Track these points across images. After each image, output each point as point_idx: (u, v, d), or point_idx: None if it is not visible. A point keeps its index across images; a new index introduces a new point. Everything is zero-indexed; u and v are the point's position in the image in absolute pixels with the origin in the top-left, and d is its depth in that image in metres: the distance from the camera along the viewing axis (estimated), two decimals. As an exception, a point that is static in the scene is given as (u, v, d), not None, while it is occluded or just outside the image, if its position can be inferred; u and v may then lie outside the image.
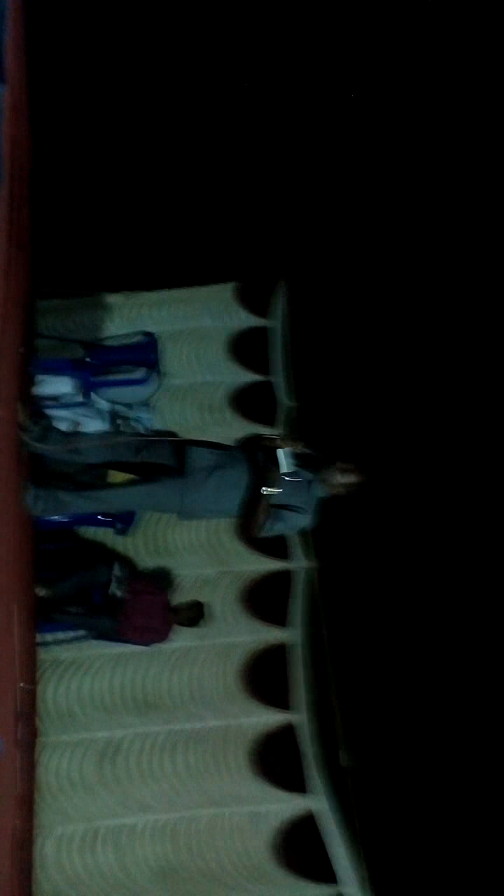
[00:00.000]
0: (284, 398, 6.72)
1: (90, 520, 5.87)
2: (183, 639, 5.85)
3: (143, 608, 5.58)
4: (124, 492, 4.59)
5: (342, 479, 4.52)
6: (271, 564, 6.27)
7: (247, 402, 6.74)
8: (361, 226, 7.14)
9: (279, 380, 6.81)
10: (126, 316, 6.80)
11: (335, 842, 5.47)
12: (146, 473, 4.59)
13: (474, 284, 6.90)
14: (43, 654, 5.73)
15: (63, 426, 5.27)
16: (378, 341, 6.91)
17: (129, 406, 5.87)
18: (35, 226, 5.54)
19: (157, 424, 6.16)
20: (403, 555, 6.32)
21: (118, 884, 5.35)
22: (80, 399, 5.52)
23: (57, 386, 5.51)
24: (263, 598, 6.17)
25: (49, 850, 5.34)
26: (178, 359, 6.75)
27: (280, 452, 4.37)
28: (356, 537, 6.21)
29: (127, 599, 5.55)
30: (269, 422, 6.60)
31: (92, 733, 5.67)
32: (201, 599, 5.88)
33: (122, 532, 6.02)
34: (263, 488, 4.32)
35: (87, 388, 5.56)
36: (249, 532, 4.50)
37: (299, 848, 5.54)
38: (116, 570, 5.62)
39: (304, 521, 4.65)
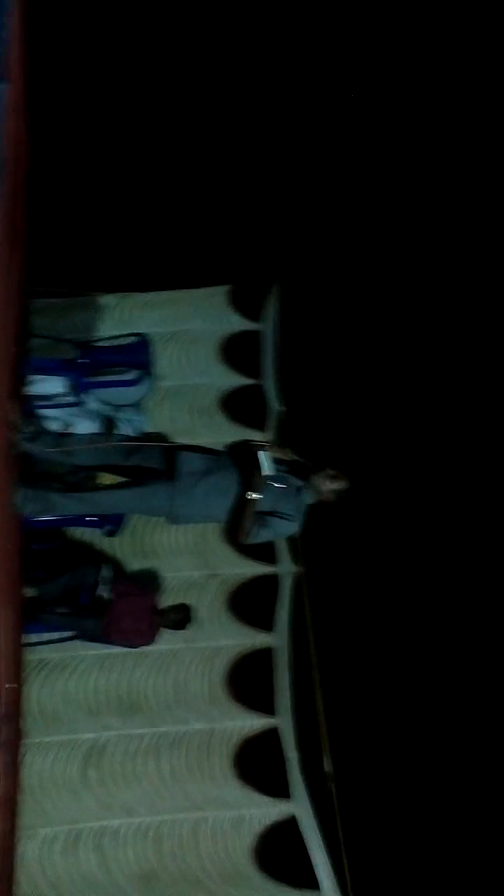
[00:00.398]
0: (274, 403, 6.72)
1: (78, 521, 5.86)
2: (169, 641, 5.85)
3: (129, 610, 5.57)
4: (114, 494, 4.58)
5: (331, 485, 4.52)
6: (258, 568, 6.27)
7: (237, 405, 6.74)
8: (356, 230, 7.16)
9: (269, 384, 6.80)
10: (119, 317, 6.79)
11: (316, 847, 5.46)
12: (136, 476, 4.58)
13: (468, 290, 6.94)
14: (29, 655, 5.71)
15: (54, 426, 5.26)
16: (369, 347, 6.95)
17: (119, 407, 5.85)
18: (30, 224, 5.52)
19: (148, 426, 6.15)
20: (390, 560, 6.35)
21: (100, 886, 5.33)
22: (71, 399, 5.51)
23: (49, 386, 5.49)
24: (249, 602, 6.17)
25: (31, 852, 5.32)
26: (170, 361, 6.74)
27: (261, 454, 4.36)
28: (343, 543, 6.24)
29: (114, 601, 5.54)
30: (259, 426, 6.60)
31: (76, 735, 5.66)
32: (187, 602, 5.88)
33: (111, 534, 6.01)
34: (248, 493, 4.32)
35: (79, 388, 5.55)
36: (236, 538, 4.50)
37: (281, 853, 5.54)
38: (104, 572, 5.61)
39: (291, 527, 4.65)
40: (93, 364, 5.67)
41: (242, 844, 5.50)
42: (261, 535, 4.52)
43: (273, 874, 5.45)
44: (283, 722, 5.79)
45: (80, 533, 6.11)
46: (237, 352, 6.94)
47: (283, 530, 4.65)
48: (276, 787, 5.63)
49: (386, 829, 5.63)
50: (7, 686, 4.30)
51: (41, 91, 5.73)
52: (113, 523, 5.95)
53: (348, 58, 7.35)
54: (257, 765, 5.70)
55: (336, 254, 7.09)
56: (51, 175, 6.33)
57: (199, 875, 5.42)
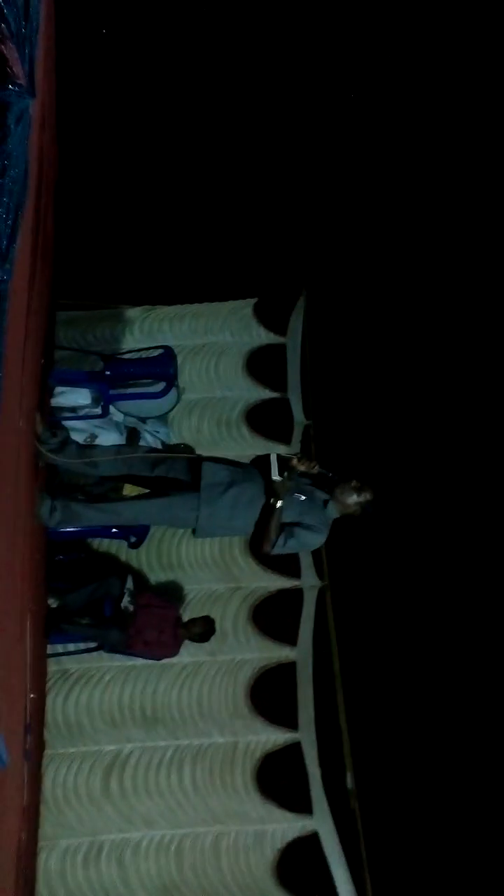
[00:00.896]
0: (300, 416, 6.72)
1: (103, 532, 5.88)
2: (192, 654, 5.85)
3: (153, 622, 5.58)
4: (139, 505, 4.58)
5: (356, 497, 4.49)
6: (282, 582, 6.26)
7: (262, 419, 6.74)
8: (382, 242, 7.16)
9: (295, 397, 6.81)
10: (145, 329, 6.83)
11: (338, 864, 5.42)
12: (161, 488, 4.58)
13: (498, 300, 6.89)
14: (52, 665, 5.73)
15: (80, 438, 5.28)
16: (395, 360, 6.92)
17: (145, 419, 5.88)
18: (57, 237, 5.58)
19: (173, 438, 6.17)
20: (416, 575, 6.31)
21: (120, 899, 5.33)
22: (97, 411, 5.53)
23: (75, 398, 5.52)
24: (273, 616, 6.16)
25: (52, 864, 5.33)
26: (195, 373, 6.78)
27: (272, 457, 4.34)
28: (368, 557, 6.20)
29: (137, 613, 5.54)
30: (285, 439, 6.60)
31: (99, 746, 5.67)
32: (211, 615, 5.87)
33: (135, 545, 6.02)
34: (272, 499, 4.30)
35: (104, 400, 5.57)
36: (261, 548, 4.48)
37: (302, 869, 5.50)
38: (128, 584, 5.61)
39: (317, 539, 4.61)
40: (118, 376, 5.69)
41: (264, 859, 5.48)
42: (287, 546, 4.48)
43: (294, 890, 5.42)
44: (306, 737, 5.77)
45: (104, 544, 6.14)
46: (263, 365, 6.95)
47: (308, 542, 4.61)
48: (297, 802, 5.60)
49: (409, 847, 5.57)
50: (30, 696, 4.31)
51: (70, 105, 5.81)
52: (137, 535, 5.96)
53: (348, 58, 7.35)
54: (279, 779, 5.67)
55: (361, 264, 7.09)
56: (79, 189, 6.40)
57: (220, 889, 5.40)
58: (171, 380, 5.78)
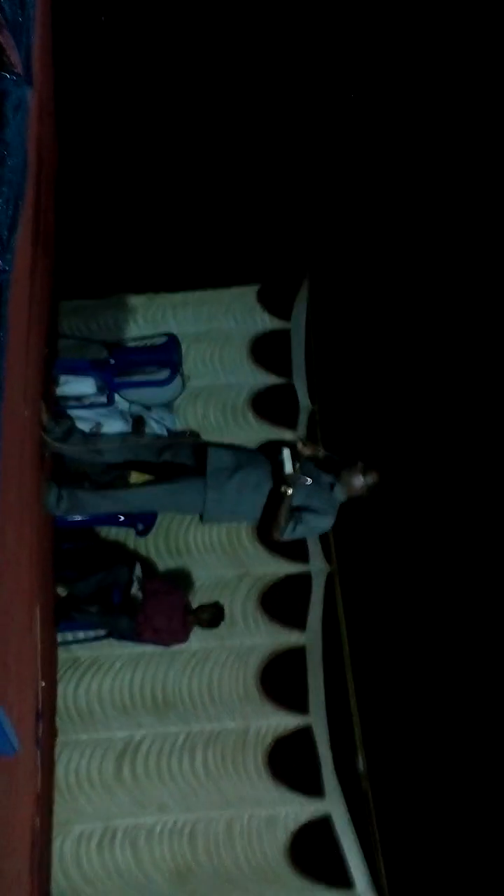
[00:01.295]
0: (305, 401, 6.72)
1: (110, 520, 5.90)
2: (201, 640, 5.87)
3: (162, 609, 5.59)
4: (145, 492, 4.59)
5: (362, 480, 4.49)
6: (290, 567, 6.27)
7: (267, 404, 6.74)
8: (384, 228, 7.13)
9: (300, 383, 6.80)
10: (149, 317, 6.83)
11: (350, 846, 5.45)
12: (167, 474, 4.59)
13: (496, 284, 6.87)
14: (62, 653, 5.76)
15: (85, 426, 5.29)
16: (400, 343, 6.90)
17: (150, 407, 5.89)
18: (59, 226, 5.57)
19: (178, 425, 6.18)
20: (425, 558, 6.30)
21: (134, 883, 5.37)
22: (102, 400, 5.54)
23: (79, 386, 5.53)
24: (282, 601, 6.17)
25: (67, 849, 5.37)
26: (200, 360, 6.78)
27: (284, 452, 4.35)
28: (376, 540, 6.20)
29: (146, 600, 5.56)
30: (290, 425, 6.60)
31: (110, 733, 5.70)
32: (220, 601, 5.89)
33: (143, 533, 6.04)
34: (282, 487, 4.31)
35: (109, 388, 5.58)
36: (270, 534, 4.49)
37: (314, 852, 5.53)
38: (138, 571, 5.63)
39: (325, 523, 4.63)
40: (123, 364, 5.70)
41: (276, 843, 5.51)
42: (296, 532, 4.50)
43: (307, 873, 5.45)
44: (316, 720, 5.78)
45: (112, 532, 6.15)
46: (267, 351, 6.95)
47: (316, 526, 4.62)
48: (309, 785, 5.62)
49: (420, 828, 5.59)
50: (41, 685, 4.34)
51: (71, 95, 5.79)
52: (145, 522, 5.98)
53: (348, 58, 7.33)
54: (291, 763, 5.69)
55: (364, 249, 7.06)
56: (80, 177, 6.39)
57: (234, 873, 5.43)
58: (175, 367, 5.79)
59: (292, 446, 4.41)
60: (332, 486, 4.50)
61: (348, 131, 7.26)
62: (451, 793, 5.77)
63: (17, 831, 3.44)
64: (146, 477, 4.65)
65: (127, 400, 5.68)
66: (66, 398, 5.52)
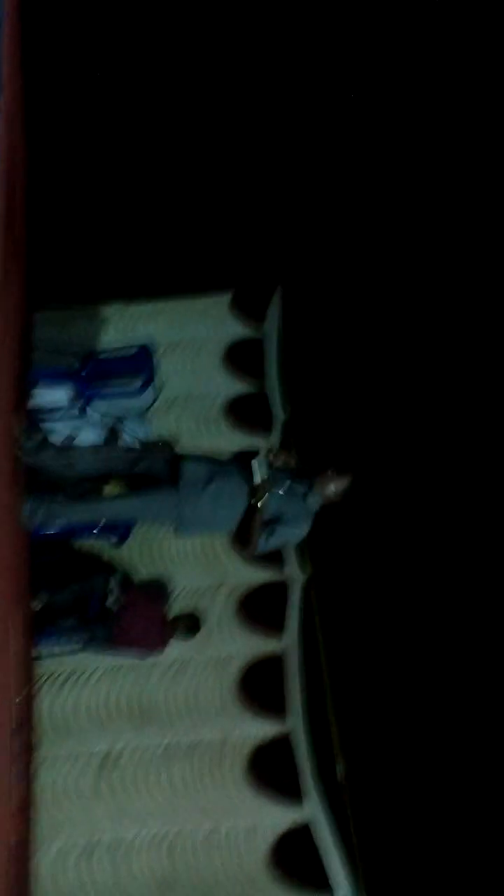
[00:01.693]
0: (279, 409, 6.72)
1: (86, 531, 5.86)
2: (179, 650, 5.84)
3: (139, 619, 5.58)
4: (119, 504, 4.58)
5: (334, 485, 4.50)
6: (266, 575, 6.26)
7: (241, 412, 6.73)
8: (358, 233, 7.16)
9: (274, 391, 6.80)
10: (121, 327, 6.79)
11: (331, 853, 5.44)
12: (141, 485, 4.58)
13: (471, 291, 6.92)
14: (39, 667, 5.72)
15: (58, 438, 5.26)
16: (373, 350, 6.93)
17: (123, 417, 5.86)
18: (30, 236, 5.54)
19: (153, 435, 6.16)
20: (400, 562, 6.32)
21: (116, 897, 5.34)
22: (75, 411, 5.51)
23: (52, 398, 5.50)
24: (259, 609, 6.16)
25: (45, 864, 5.33)
26: (173, 369, 6.75)
27: (253, 462, 4.35)
28: (351, 546, 6.21)
29: (123, 611, 5.53)
30: (265, 433, 6.60)
31: (89, 746, 5.66)
32: (197, 610, 5.87)
33: (119, 544, 6.01)
34: (253, 500, 4.31)
35: (82, 399, 5.56)
36: (246, 548, 4.49)
37: (295, 859, 5.53)
38: (113, 582, 5.61)
39: (298, 532, 4.63)
40: (96, 375, 5.68)
41: (257, 852, 5.50)
42: (269, 544, 4.50)
43: (288, 881, 5.43)
44: (295, 728, 5.78)
45: (88, 543, 6.12)
46: (241, 359, 6.94)
47: (290, 536, 4.63)
48: (288, 792, 5.62)
49: (400, 833, 5.59)
50: (18, 700, 4.30)
51: (38, 101, 5.76)
52: (120, 533, 5.95)
53: (348, 58, 7.34)
54: (270, 772, 5.68)
55: (338, 256, 7.08)
56: (51, 186, 6.36)
57: (214, 884, 5.41)
58: (148, 377, 5.77)
59: (264, 456, 4.41)
60: (305, 495, 4.50)
61: (350, 131, 7.27)
62: (431, 797, 5.78)
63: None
64: (120, 488, 4.64)
65: (99, 411, 5.66)
66: (39, 410, 5.48)
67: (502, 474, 6.52)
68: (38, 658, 5.67)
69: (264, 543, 4.42)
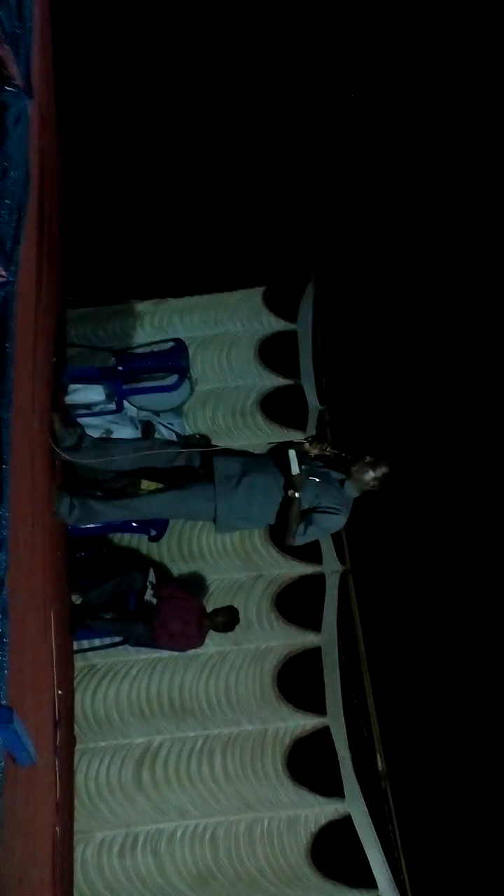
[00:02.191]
0: (314, 401, 6.71)
1: (124, 527, 5.91)
2: (217, 644, 5.87)
3: (177, 614, 5.60)
4: (156, 499, 4.59)
5: (372, 473, 4.46)
6: (303, 568, 6.26)
7: (276, 406, 6.74)
8: (387, 227, 7.14)
9: (308, 383, 6.80)
10: (155, 323, 6.83)
11: (372, 846, 5.43)
12: (177, 481, 4.59)
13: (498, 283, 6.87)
14: (79, 661, 5.77)
15: (95, 434, 5.30)
16: (407, 340, 6.91)
17: (159, 412, 5.89)
18: (64, 235, 5.59)
19: (188, 430, 6.19)
20: (437, 554, 6.30)
21: (157, 889, 5.38)
22: (111, 407, 5.55)
23: (88, 394, 5.55)
24: (296, 602, 6.16)
25: (89, 856, 5.39)
26: (208, 364, 6.78)
27: (290, 453, 4.32)
28: (388, 539, 6.20)
29: (161, 605, 5.56)
30: (299, 426, 6.60)
31: (129, 739, 5.71)
32: (234, 604, 5.89)
33: (155, 539, 6.04)
34: (289, 491, 4.31)
35: (118, 395, 5.59)
36: (285, 540, 4.48)
37: (336, 853, 5.53)
38: (152, 577, 5.64)
39: (337, 521, 4.60)
40: (131, 371, 5.71)
41: (298, 844, 5.51)
42: (308, 534, 4.48)
43: (329, 874, 5.44)
44: (334, 721, 5.77)
45: (125, 539, 6.16)
46: (274, 352, 6.95)
47: (328, 525, 4.59)
48: (329, 786, 5.62)
49: (441, 825, 5.58)
50: (57, 693, 4.34)
51: (72, 104, 5.81)
52: (157, 528, 5.99)
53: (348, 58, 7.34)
54: (310, 764, 5.69)
55: (368, 248, 7.07)
56: (84, 186, 6.40)
57: (256, 875, 5.44)
58: (183, 372, 5.79)
59: (299, 447, 4.40)
60: (341, 484, 4.48)
61: (350, 131, 7.27)
62: (470, 789, 5.76)
63: (38, 840, 3.45)
64: (157, 484, 4.66)
65: (136, 406, 5.69)
66: (76, 406, 5.53)
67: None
68: (77, 652, 5.72)
69: (303, 533, 4.41)
